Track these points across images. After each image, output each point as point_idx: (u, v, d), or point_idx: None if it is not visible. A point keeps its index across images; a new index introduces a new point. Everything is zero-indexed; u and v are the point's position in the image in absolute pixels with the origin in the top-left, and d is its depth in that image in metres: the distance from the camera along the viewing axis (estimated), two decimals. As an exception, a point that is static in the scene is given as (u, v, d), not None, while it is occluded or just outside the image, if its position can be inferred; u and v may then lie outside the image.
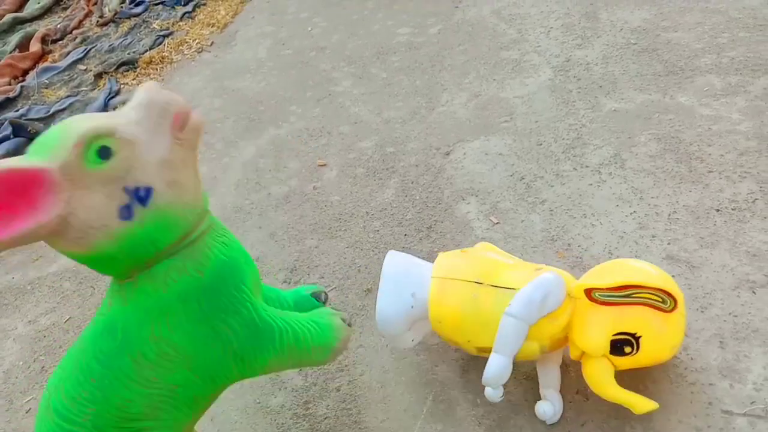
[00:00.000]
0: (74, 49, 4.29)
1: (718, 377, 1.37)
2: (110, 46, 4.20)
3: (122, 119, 0.98)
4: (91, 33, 4.52)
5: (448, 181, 2.22)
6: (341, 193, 2.33)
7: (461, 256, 1.46)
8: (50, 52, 4.40)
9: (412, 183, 2.26)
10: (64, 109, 3.53)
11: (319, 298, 1.44)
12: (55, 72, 4.02)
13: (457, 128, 2.47)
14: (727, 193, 1.81)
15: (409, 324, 1.47)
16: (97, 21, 4.64)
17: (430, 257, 1.91)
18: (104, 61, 4.02)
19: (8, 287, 2.43)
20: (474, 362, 1.57)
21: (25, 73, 4.17)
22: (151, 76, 3.84)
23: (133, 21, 4.53)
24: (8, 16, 4.95)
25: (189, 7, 4.52)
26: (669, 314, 1.24)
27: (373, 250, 2.02)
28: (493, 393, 1.33)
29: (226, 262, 1.11)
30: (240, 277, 1.12)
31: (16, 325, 2.23)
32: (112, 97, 3.64)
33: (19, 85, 3.90)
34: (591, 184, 1.99)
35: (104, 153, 0.93)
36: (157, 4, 4.66)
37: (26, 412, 1.87)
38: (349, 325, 1.34)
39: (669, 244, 1.71)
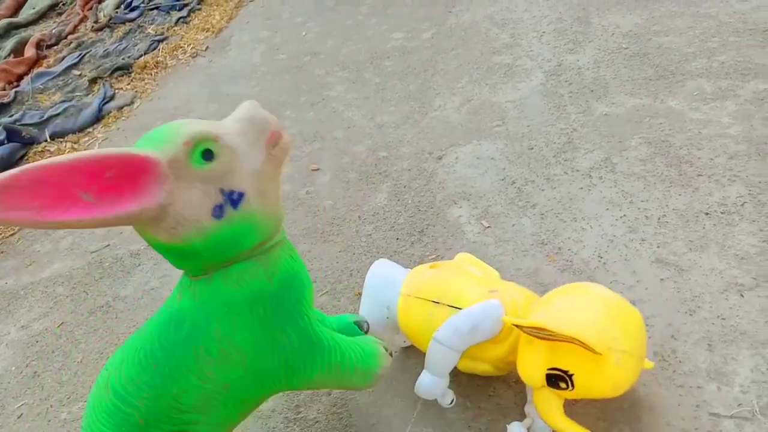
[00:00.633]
0: (69, 54, 4.30)
1: (706, 380, 1.38)
2: (105, 51, 4.21)
3: (226, 129, 1.06)
4: (86, 38, 4.53)
5: (440, 185, 2.23)
6: (334, 198, 2.34)
7: (429, 273, 1.47)
8: (45, 57, 4.42)
9: (405, 187, 2.27)
10: (58, 115, 3.53)
11: (362, 327, 1.49)
12: (50, 77, 4.03)
13: (449, 132, 2.48)
14: (717, 196, 1.82)
15: (391, 332, 1.51)
16: (92, 26, 4.66)
17: (422, 261, 1.92)
18: (99, 66, 4.02)
19: (1, 292, 2.43)
20: (464, 366, 1.58)
21: (20, 78, 4.19)
22: (146, 81, 3.85)
23: (128, 26, 4.54)
24: (3, 21, 4.97)
25: (184, 12, 4.54)
26: (600, 356, 1.13)
27: (365, 255, 2.03)
28: (442, 399, 1.45)
29: (293, 274, 1.18)
30: (302, 291, 1.19)
31: (8, 330, 2.23)
32: (107, 102, 3.64)
33: (14, 90, 3.91)
34: (581, 188, 2.00)
35: (208, 155, 1.01)
36: (152, 9, 4.68)
37: (18, 417, 1.87)
38: (391, 354, 1.40)
39: (658, 247, 1.72)
